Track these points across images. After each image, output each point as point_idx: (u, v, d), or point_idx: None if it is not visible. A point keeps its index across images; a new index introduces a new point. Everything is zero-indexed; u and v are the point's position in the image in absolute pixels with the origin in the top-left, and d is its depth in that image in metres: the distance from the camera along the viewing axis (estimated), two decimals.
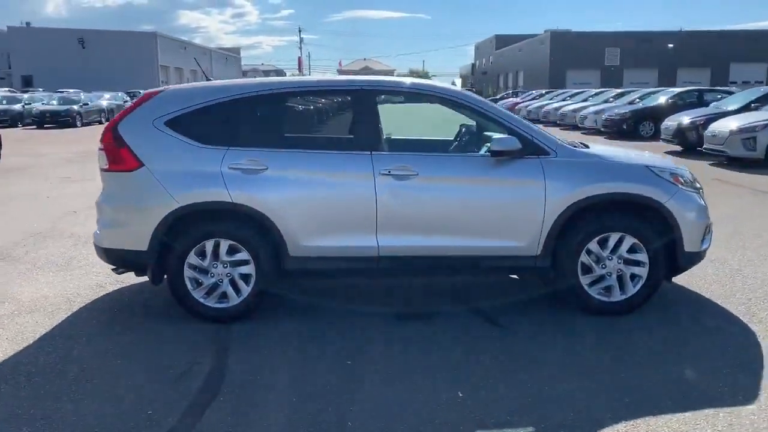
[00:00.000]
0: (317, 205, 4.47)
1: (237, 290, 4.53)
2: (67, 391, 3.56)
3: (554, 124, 27.19)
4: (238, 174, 4.41)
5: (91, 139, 18.76)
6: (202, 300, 4.52)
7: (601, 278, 4.60)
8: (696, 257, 4.71)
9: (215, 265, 4.49)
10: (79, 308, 4.90)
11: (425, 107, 5.60)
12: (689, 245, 4.57)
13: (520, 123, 4.62)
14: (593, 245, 4.53)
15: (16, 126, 29.29)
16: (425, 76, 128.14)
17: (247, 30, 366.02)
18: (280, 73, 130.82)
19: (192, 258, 4.47)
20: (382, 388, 3.59)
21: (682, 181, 4.64)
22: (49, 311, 4.83)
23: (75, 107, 29.42)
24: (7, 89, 44.11)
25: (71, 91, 37.57)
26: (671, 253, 4.58)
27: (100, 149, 4.58)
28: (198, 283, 4.51)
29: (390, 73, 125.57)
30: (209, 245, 4.46)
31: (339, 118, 4.81)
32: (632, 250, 4.55)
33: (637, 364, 3.84)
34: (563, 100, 30.29)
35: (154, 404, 3.40)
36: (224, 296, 4.54)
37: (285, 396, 3.51)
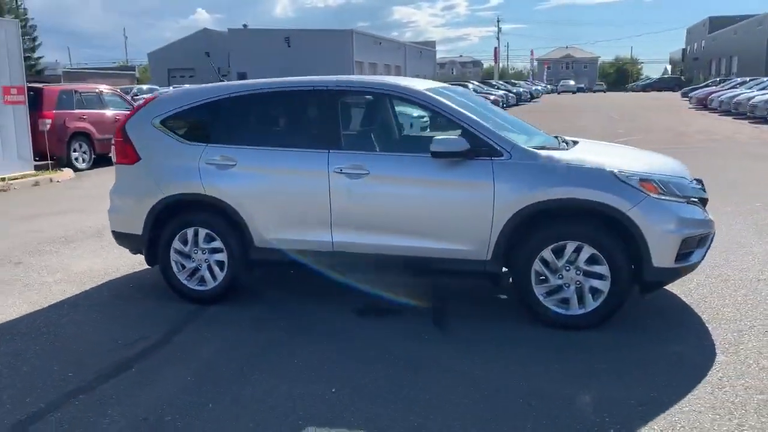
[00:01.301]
0: (278, 199, 4.72)
1: (213, 275, 4.96)
2: (28, 350, 4.22)
3: (744, 116, 24.17)
4: (212, 169, 4.83)
5: None
6: (185, 282, 5.03)
7: (558, 289, 4.28)
8: (669, 273, 4.17)
9: (195, 252, 4.97)
10: (105, 281, 5.68)
11: None
12: (659, 260, 4.06)
13: (474, 122, 4.41)
14: (547, 253, 4.22)
15: None
16: (633, 62, 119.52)
17: (456, 22, 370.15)
18: (477, 64, 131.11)
19: (176, 243, 4.99)
20: (272, 379, 3.74)
21: (656, 188, 4.12)
22: (82, 282, 5.66)
23: None
24: None
25: None
26: (638, 267, 4.12)
27: (112, 144, 5.27)
28: (182, 267, 5.02)
29: (594, 60, 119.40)
30: (190, 233, 4.95)
31: (306, 117, 5.00)
32: (592, 261, 4.16)
33: (535, 386, 3.54)
34: (763, 89, 26.71)
35: (80, 368, 3.93)
36: (203, 280, 5.00)
37: (187, 375, 3.82)
